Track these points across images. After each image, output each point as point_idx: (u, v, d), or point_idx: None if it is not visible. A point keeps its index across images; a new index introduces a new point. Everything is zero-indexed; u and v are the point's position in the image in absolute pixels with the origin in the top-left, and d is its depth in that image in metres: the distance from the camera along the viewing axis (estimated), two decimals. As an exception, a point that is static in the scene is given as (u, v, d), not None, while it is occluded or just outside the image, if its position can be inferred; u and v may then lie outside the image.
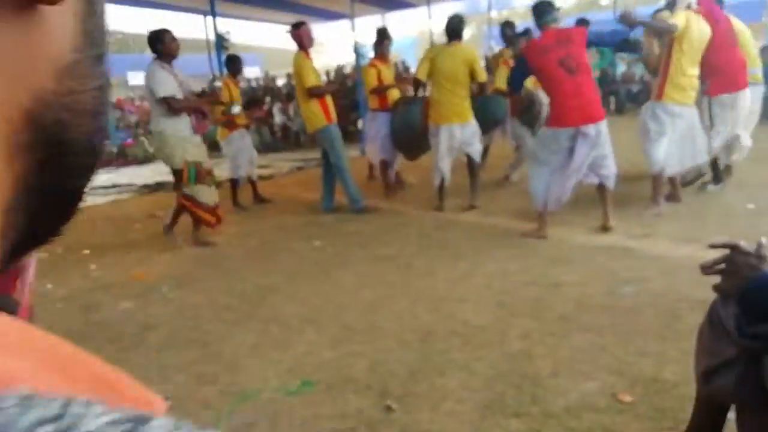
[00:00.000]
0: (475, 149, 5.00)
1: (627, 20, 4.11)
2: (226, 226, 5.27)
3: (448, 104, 4.83)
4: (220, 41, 6.73)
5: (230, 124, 5.92)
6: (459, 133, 4.88)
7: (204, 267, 4.09)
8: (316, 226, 4.99)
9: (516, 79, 4.30)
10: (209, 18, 8.27)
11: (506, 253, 3.74)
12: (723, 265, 1.28)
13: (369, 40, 6.44)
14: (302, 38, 5.03)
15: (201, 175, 4.37)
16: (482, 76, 4.93)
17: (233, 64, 6.07)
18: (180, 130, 4.30)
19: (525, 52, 4.04)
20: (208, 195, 4.44)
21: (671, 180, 4.56)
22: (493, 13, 15.00)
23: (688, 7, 4.19)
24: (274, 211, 5.81)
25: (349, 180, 5.27)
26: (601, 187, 4.03)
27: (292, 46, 5.18)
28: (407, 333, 2.70)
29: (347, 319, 2.92)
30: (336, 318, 2.95)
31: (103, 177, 9.64)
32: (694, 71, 4.24)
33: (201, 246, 4.60)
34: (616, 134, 6.02)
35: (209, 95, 4.84)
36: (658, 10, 4.70)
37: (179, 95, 4.27)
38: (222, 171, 8.51)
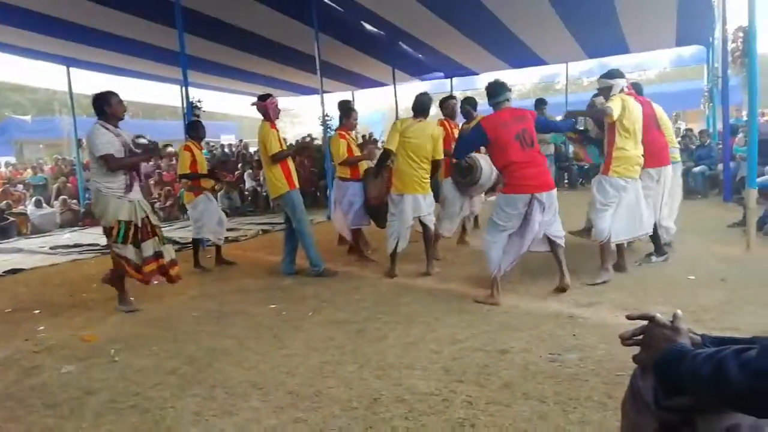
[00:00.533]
0: (432, 219, 5.08)
1: (571, 115, 5.00)
2: (184, 288, 5.13)
3: (415, 176, 4.89)
4: (191, 109, 6.80)
5: (195, 188, 5.88)
6: (422, 203, 4.95)
7: (156, 329, 3.93)
8: (275, 290, 4.89)
9: (462, 149, 4.51)
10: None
11: (458, 318, 3.71)
12: (641, 337, 1.28)
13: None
14: (267, 109, 5.13)
15: (127, 234, 4.28)
16: (440, 154, 5.03)
17: (194, 130, 6.04)
18: (114, 189, 4.24)
19: (483, 124, 4.13)
20: (133, 254, 4.33)
21: (619, 250, 4.67)
22: (457, 93, 15.64)
23: (621, 90, 4.48)
24: (235, 274, 5.69)
25: (310, 244, 5.25)
26: (554, 248, 4.17)
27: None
28: (353, 400, 2.60)
29: (294, 385, 2.80)
30: (283, 384, 2.83)
31: (65, 236, 9.38)
32: (637, 147, 4.48)
33: (124, 307, 4.45)
34: (567, 208, 6.20)
35: (146, 148, 4.65)
36: (596, 95, 5.03)
37: (119, 154, 4.23)
38: (190, 234, 8.41)
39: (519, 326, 3.45)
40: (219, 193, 9.46)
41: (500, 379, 2.70)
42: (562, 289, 4.12)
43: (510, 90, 4.24)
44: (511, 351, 3.04)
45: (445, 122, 5.94)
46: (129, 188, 4.29)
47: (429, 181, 5.01)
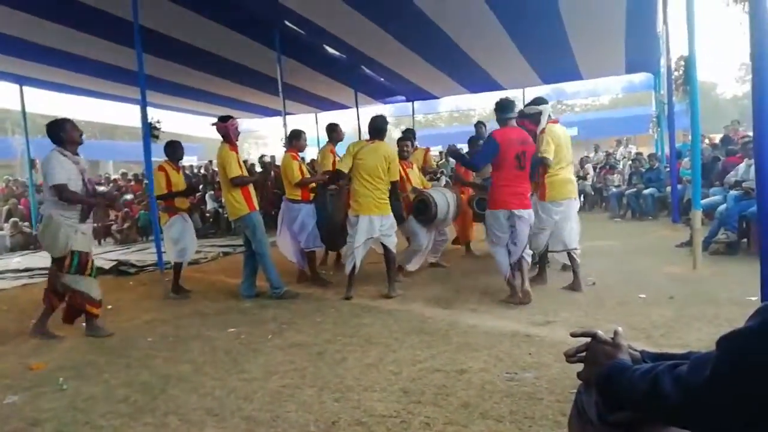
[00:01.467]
0: (392, 240, 5.05)
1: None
2: (140, 312, 4.99)
3: (369, 197, 4.91)
4: (149, 130, 6.65)
5: (170, 209, 5.62)
6: (378, 224, 4.95)
7: (108, 356, 3.78)
8: (234, 313, 4.80)
9: (479, 161, 4.76)
10: (148, 108, 8.10)
11: (418, 339, 3.71)
12: (584, 354, 1.31)
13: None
14: (228, 131, 5.08)
15: (82, 265, 4.17)
16: (395, 175, 5.03)
17: (172, 150, 5.77)
18: (68, 217, 4.12)
19: (495, 136, 4.53)
20: (87, 285, 4.22)
21: (574, 272, 4.82)
22: (419, 117, 15.87)
23: (549, 117, 4.84)
24: (193, 297, 5.54)
25: (271, 265, 5.18)
26: (520, 262, 4.57)
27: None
28: (311, 424, 2.56)
29: (251, 411, 2.74)
30: (239, 409, 2.76)
31: (15, 260, 8.99)
32: (568, 169, 4.87)
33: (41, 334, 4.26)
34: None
35: (105, 196, 4.65)
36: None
37: (75, 183, 4.12)
38: (148, 257, 8.21)
39: (477, 346, 3.48)
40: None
41: (458, 400, 2.71)
42: (523, 302, 4.38)
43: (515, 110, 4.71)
44: (470, 371, 3.06)
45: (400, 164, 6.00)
46: (83, 218, 4.16)
47: (386, 201, 5.01)
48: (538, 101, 4.93)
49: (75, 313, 4.34)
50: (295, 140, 5.92)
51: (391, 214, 5.06)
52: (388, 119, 5.46)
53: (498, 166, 4.50)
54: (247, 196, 5.09)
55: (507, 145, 4.45)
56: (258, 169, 12.68)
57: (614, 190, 11.26)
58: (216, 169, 15.28)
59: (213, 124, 5.14)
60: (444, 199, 5.73)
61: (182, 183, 5.71)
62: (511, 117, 4.62)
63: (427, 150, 7.31)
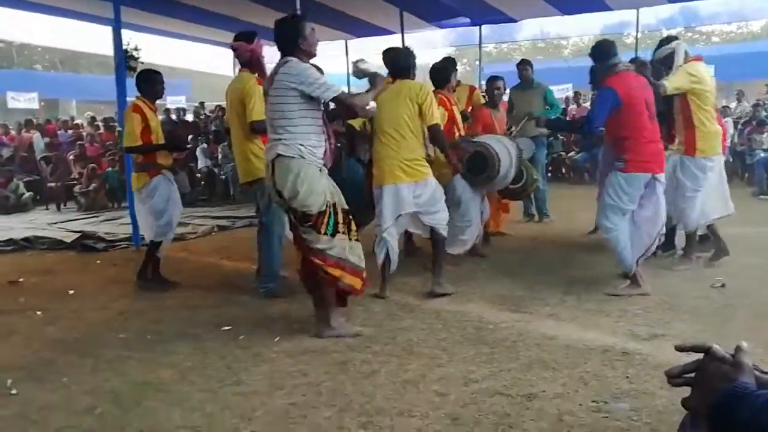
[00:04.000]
0: (440, 217, 4.98)
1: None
2: (110, 301, 5.21)
3: (393, 159, 4.81)
4: (125, 60, 6.74)
5: (150, 166, 5.50)
6: (409, 195, 4.83)
7: (69, 354, 4.00)
8: (232, 306, 4.96)
9: (599, 117, 4.82)
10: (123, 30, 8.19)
11: (474, 351, 3.77)
12: (693, 374, 1.32)
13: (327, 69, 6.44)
14: (256, 55, 4.99)
15: (339, 221, 4.02)
16: (431, 118, 4.81)
17: (148, 84, 5.60)
18: (318, 156, 4.00)
19: (612, 86, 4.68)
20: (349, 251, 4.07)
21: (714, 233, 5.56)
22: (488, 47, 15.68)
23: (686, 54, 5.13)
24: (180, 285, 5.73)
25: (277, 249, 5.18)
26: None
27: (225, 70, 5.10)
28: (328, 455, 2.67)
29: (250, 434, 2.87)
30: (235, 431, 2.90)
31: None
32: (714, 121, 5.35)
33: (334, 337, 4.09)
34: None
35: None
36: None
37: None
38: (120, 230, 8.52)
39: (555, 364, 3.51)
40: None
41: (525, 434, 2.76)
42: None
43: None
44: (542, 396, 3.10)
45: (444, 98, 5.72)
46: (327, 156, 4.12)
47: (422, 161, 4.87)
48: (668, 39, 5.37)
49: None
50: None
51: (432, 179, 4.92)
52: (448, 50, 5.41)
53: (631, 116, 4.66)
54: None
55: (631, 90, 4.63)
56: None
57: (762, 155, 10.92)
58: (207, 113, 15.63)
59: (232, 46, 4.97)
60: (506, 151, 5.51)
61: (160, 130, 5.67)
62: (618, 62, 4.78)
63: (473, 89, 7.21)
